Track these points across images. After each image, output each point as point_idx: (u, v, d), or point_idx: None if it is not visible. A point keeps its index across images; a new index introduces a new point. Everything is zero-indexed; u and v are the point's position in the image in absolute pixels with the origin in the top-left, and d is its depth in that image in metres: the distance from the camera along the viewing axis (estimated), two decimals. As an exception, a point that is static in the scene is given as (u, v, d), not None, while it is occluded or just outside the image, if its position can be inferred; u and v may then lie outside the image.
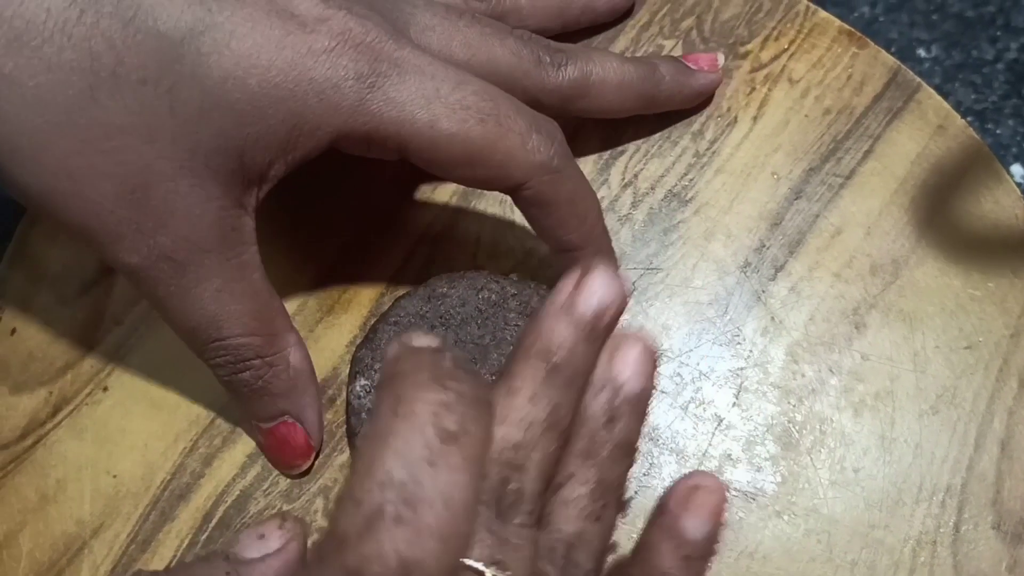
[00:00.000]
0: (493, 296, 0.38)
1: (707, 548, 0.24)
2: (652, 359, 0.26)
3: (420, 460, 0.19)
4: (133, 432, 0.38)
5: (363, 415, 0.37)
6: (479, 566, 0.22)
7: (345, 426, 0.38)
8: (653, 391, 0.26)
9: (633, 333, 0.26)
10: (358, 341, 0.39)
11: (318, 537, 0.20)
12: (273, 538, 0.25)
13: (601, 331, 0.25)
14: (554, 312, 0.24)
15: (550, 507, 0.25)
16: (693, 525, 0.24)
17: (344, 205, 0.41)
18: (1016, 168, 0.49)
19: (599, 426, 0.25)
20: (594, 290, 0.24)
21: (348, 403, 0.37)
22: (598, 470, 0.25)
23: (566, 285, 0.25)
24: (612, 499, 0.25)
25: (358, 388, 0.37)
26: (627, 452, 0.26)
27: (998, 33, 0.51)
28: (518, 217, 0.41)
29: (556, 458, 0.24)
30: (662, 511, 0.25)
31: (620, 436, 0.25)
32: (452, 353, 0.22)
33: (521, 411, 0.24)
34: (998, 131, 0.50)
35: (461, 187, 0.41)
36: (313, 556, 0.21)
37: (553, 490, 0.25)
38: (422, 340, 0.22)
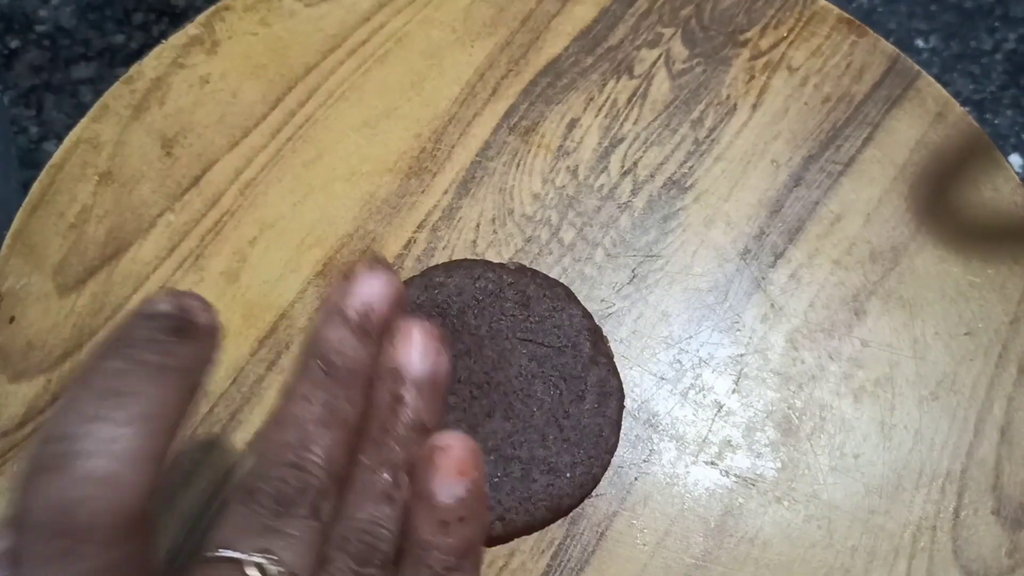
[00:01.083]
0: (490, 285, 0.38)
1: (465, 511, 0.24)
2: (434, 339, 0.26)
3: (84, 415, 0.20)
4: (132, 420, 0.38)
5: None
6: (235, 554, 0.22)
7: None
8: (445, 370, 0.26)
9: (413, 319, 0.26)
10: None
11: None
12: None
13: (374, 326, 0.25)
14: (324, 316, 0.25)
15: (343, 496, 0.25)
16: (442, 489, 0.24)
17: (344, 193, 0.41)
18: (1015, 158, 0.49)
19: (385, 410, 0.25)
20: (356, 291, 0.25)
21: None
22: (387, 452, 0.25)
23: (334, 291, 0.26)
24: (404, 480, 0.25)
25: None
26: (420, 432, 0.25)
27: (996, 24, 0.51)
28: (517, 204, 0.41)
29: (342, 451, 0.25)
30: (414, 477, 0.24)
31: (409, 417, 0.25)
32: (178, 317, 0.22)
33: (294, 411, 0.24)
34: (996, 121, 0.50)
35: (460, 175, 0.41)
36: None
37: (345, 481, 0.25)
38: (155, 306, 0.22)
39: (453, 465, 0.24)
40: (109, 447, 0.20)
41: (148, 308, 0.22)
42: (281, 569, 0.22)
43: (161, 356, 0.21)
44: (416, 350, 0.26)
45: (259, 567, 0.22)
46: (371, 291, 0.25)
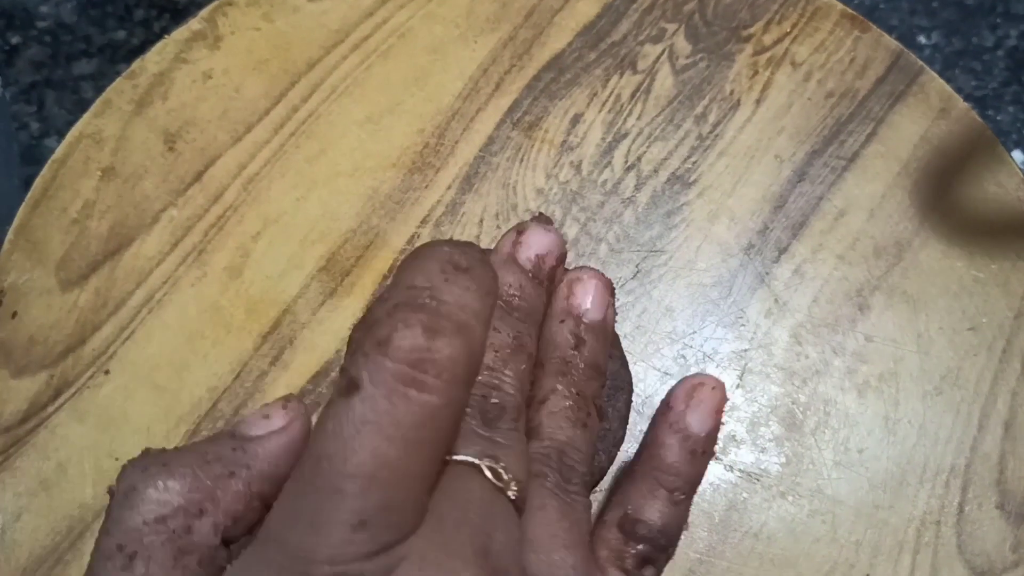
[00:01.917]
0: (495, 282, 0.38)
1: (709, 444, 0.28)
2: (608, 292, 0.29)
3: (438, 274, 0.22)
4: (135, 415, 0.38)
5: None
6: (471, 459, 0.23)
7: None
8: (613, 319, 0.30)
9: (588, 269, 0.29)
10: (361, 324, 0.39)
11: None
12: (277, 417, 0.25)
13: (545, 274, 0.28)
14: (501, 263, 0.28)
15: (538, 419, 0.27)
16: (697, 419, 0.28)
17: (348, 188, 0.41)
18: (1017, 154, 0.49)
19: (568, 348, 0.28)
20: (530, 241, 0.28)
21: None
22: (576, 385, 0.28)
23: (505, 241, 0.29)
24: (593, 410, 0.28)
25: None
26: (598, 371, 0.29)
27: (998, 20, 0.51)
28: (521, 199, 0.41)
29: (528, 377, 0.27)
30: (667, 408, 0.28)
31: (589, 357, 0.28)
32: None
33: (489, 339, 0.26)
34: (998, 117, 0.50)
35: (463, 170, 0.41)
36: (347, 354, 0.22)
37: (537, 406, 0.27)
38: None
39: (712, 403, 0.28)
40: (463, 301, 0.21)
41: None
42: (510, 474, 0.24)
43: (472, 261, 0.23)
44: (593, 296, 0.29)
45: (492, 471, 0.23)
46: (542, 243, 0.28)
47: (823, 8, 0.43)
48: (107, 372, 0.39)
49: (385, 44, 0.43)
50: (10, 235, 0.41)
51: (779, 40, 0.43)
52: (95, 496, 0.37)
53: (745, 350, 0.38)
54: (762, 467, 0.37)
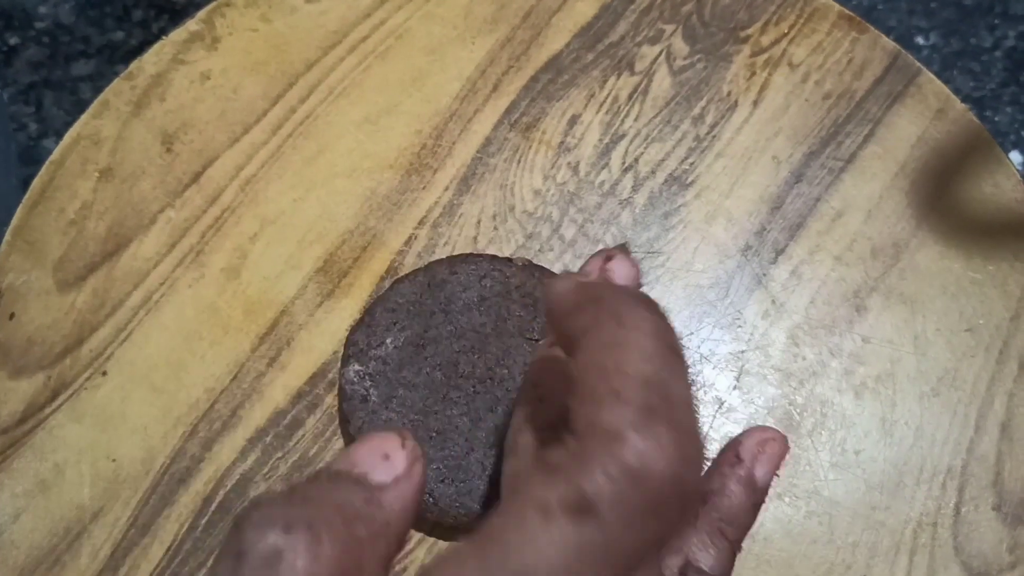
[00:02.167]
0: (497, 286, 0.38)
1: (765, 494, 0.29)
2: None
3: (663, 363, 0.20)
4: (133, 416, 0.38)
5: (356, 401, 0.36)
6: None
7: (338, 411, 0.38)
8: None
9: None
10: (359, 325, 0.39)
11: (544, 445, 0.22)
12: (399, 459, 0.22)
13: None
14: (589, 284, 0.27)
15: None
16: (764, 472, 0.28)
17: (345, 189, 0.41)
18: (1015, 155, 0.49)
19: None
20: (617, 270, 0.26)
21: (340, 388, 0.37)
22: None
23: (594, 265, 0.27)
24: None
25: (351, 373, 0.37)
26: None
27: (996, 21, 0.51)
28: (518, 201, 0.41)
29: None
30: (736, 460, 0.29)
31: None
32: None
33: None
34: (996, 118, 0.50)
35: (461, 171, 0.41)
36: (562, 457, 0.20)
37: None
38: (583, 276, 0.25)
39: (780, 458, 0.29)
40: (686, 397, 0.20)
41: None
42: None
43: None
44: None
45: None
46: (629, 274, 0.27)
47: (821, 9, 0.44)
48: (105, 373, 0.39)
49: (383, 45, 0.44)
50: (8, 236, 0.41)
51: (777, 41, 0.43)
52: (92, 497, 0.37)
53: (742, 351, 0.39)
54: (759, 468, 0.37)
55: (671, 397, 0.20)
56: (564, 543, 0.18)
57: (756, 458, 0.28)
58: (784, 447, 0.29)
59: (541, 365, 0.28)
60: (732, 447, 0.29)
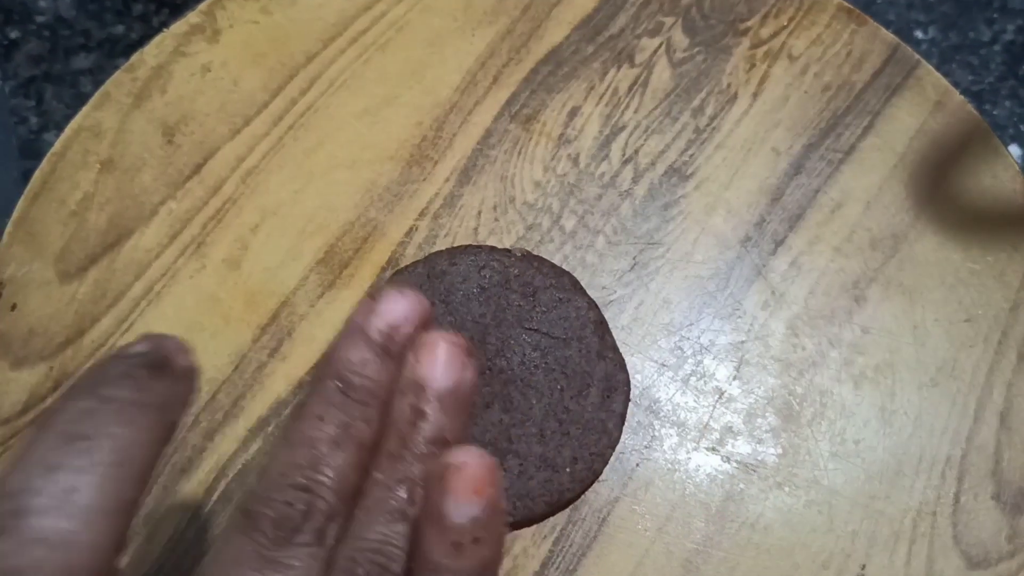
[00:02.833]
0: (496, 276, 0.38)
1: (481, 531, 0.22)
2: (460, 352, 0.25)
3: (43, 464, 0.18)
4: (134, 407, 0.38)
5: None
6: None
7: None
8: (471, 383, 0.25)
9: (438, 332, 0.25)
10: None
11: None
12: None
13: (398, 345, 0.25)
14: (347, 335, 0.24)
15: (354, 516, 0.23)
16: (456, 509, 0.22)
17: (346, 181, 0.41)
18: (1013, 148, 0.49)
19: (405, 425, 0.24)
20: (382, 311, 0.24)
21: None
22: (404, 467, 0.23)
23: (358, 310, 0.25)
24: (420, 496, 0.23)
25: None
26: (441, 446, 0.24)
27: (995, 15, 0.51)
28: (519, 192, 0.41)
29: (355, 472, 0.24)
30: (425, 496, 0.23)
31: (429, 432, 0.24)
32: (149, 354, 0.21)
33: (307, 431, 0.23)
34: (995, 112, 0.50)
35: (461, 162, 0.41)
36: None
37: (358, 500, 0.24)
38: (131, 347, 0.21)
39: (467, 484, 0.22)
40: (66, 501, 0.18)
41: (123, 350, 0.21)
42: None
43: (134, 392, 0.20)
44: (440, 363, 0.24)
45: None
46: (398, 311, 0.24)
47: (820, 2, 0.44)
48: (106, 364, 0.39)
49: (383, 37, 0.44)
50: (9, 227, 0.41)
51: (776, 33, 0.43)
52: (94, 487, 0.37)
53: (742, 342, 0.39)
54: (759, 458, 0.37)
55: (25, 507, 0.18)
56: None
57: (443, 491, 0.22)
58: (478, 470, 0.22)
59: None
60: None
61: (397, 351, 0.25)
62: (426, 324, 0.25)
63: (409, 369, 0.24)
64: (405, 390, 0.24)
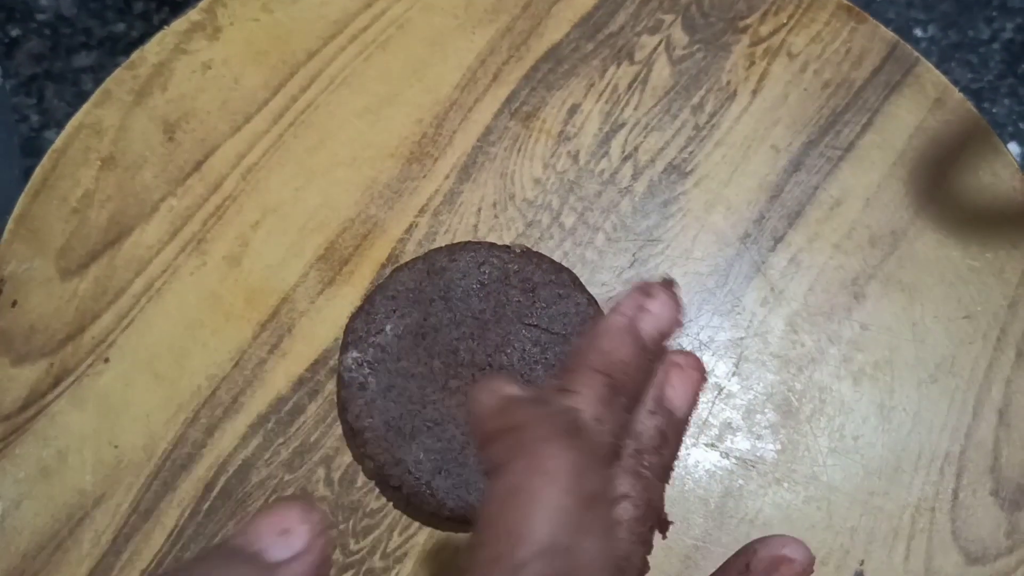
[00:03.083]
0: (495, 272, 0.38)
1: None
2: (702, 385, 0.26)
3: (568, 523, 0.18)
4: (135, 403, 0.38)
5: (354, 388, 0.37)
6: None
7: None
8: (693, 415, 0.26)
9: (690, 356, 0.26)
10: (359, 312, 0.39)
11: None
12: (297, 535, 0.20)
13: (659, 349, 0.25)
14: (618, 329, 0.24)
15: None
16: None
17: (346, 178, 0.41)
18: (1013, 146, 0.49)
19: (652, 446, 0.25)
20: (657, 314, 0.24)
21: (339, 375, 0.37)
22: (648, 491, 0.24)
23: (630, 303, 0.24)
24: (655, 521, 0.25)
25: (349, 360, 0.37)
26: (668, 476, 0.25)
27: (994, 13, 0.52)
28: (519, 189, 0.41)
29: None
30: (745, 571, 0.26)
31: (668, 460, 0.25)
32: (556, 404, 0.21)
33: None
34: (994, 110, 0.50)
35: (461, 160, 0.42)
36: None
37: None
38: (511, 389, 0.21)
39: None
40: (595, 565, 0.19)
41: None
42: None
43: (598, 442, 0.21)
44: (689, 394, 0.26)
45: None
46: (669, 316, 0.24)
47: (819, -1, 0.44)
48: (107, 360, 0.39)
49: (384, 35, 0.44)
50: (10, 224, 0.41)
51: (776, 31, 0.43)
52: (94, 483, 0.37)
53: (741, 338, 0.39)
54: (758, 454, 0.37)
55: (576, 565, 0.18)
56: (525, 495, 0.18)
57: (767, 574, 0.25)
58: (805, 570, 0.25)
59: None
60: (745, 555, 0.26)
61: (657, 354, 0.25)
62: (679, 330, 0.26)
63: (659, 388, 0.25)
64: (656, 410, 0.25)
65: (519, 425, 0.20)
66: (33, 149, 0.54)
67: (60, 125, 0.53)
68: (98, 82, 0.44)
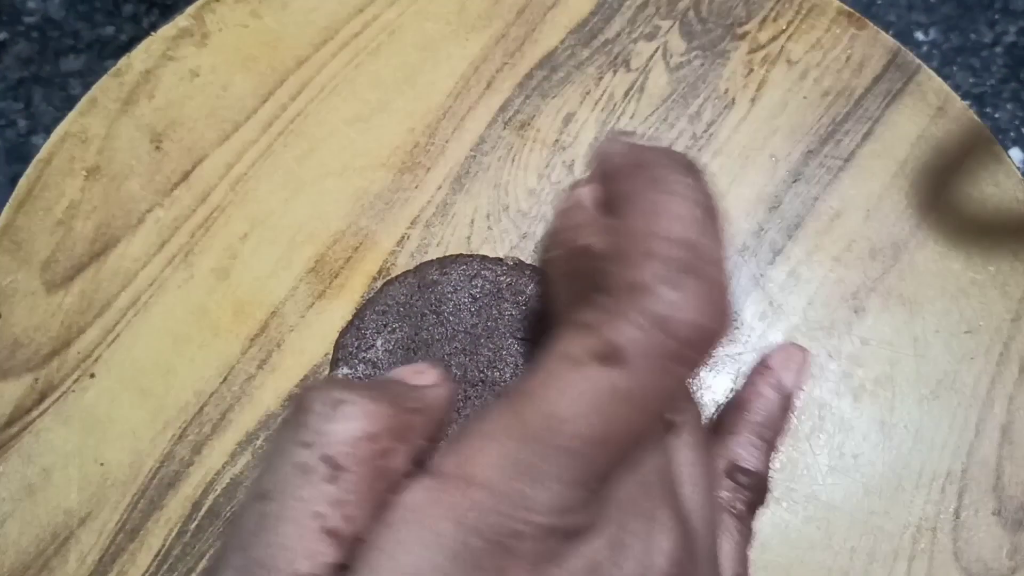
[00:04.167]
0: (487, 285, 0.38)
1: (794, 401, 0.34)
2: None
3: (695, 225, 0.21)
4: (121, 419, 0.38)
5: None
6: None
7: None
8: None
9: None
10: (350, 326, 0.38)
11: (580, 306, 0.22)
12: (430, 374, 0.25)
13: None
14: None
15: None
16: (791, 380, 0.34)
17: (337, 188, 0.40)
18: (1015, 152, 0.48)
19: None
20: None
21: None
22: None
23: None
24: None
25: (340, 377, 0.36)
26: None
27: (996, 16, 0.51)
28: (512, 200, 0.40)
29: None
30: (766, 368, 0.35)
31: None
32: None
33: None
34: (996, 115, 0.50)
35: (454, 170, 0.41)
36: (589, 315, 0.21)
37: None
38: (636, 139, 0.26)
39: (805, 366, 0.36)
40: (717, 256, 0.21)
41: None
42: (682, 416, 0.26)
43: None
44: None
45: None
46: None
47: (819, 5, 0.43)
48: (92, 375, 0.38)
49: (375, 41, 0.43)
50: (-6, 236, 0.40)
51: (775, 38, 0.42)
52: (80, 501, 0.37)
53: (739, 353, 0.38)
54: (756, 472, 0.36)
55: (700, 254, 0.20)
56: (593, 389, 0.20)
57: (784, 366, 0.34)
58: (806, 360, 0.35)
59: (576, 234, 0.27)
60: (762, 361, 0.35)
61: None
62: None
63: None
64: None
65: (643, 163, 0.23)
66: (20, 155, 0.53)
67: (48, 130, 0.53)
68: (87, 86, 0.43)
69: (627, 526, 0.21)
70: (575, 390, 0.20)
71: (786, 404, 0.33)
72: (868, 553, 0.35)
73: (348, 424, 0.21)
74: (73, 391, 0.38)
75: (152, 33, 0.43)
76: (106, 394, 0.38)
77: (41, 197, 0.40)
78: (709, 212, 0.21)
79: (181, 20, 0.43)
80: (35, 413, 0.38)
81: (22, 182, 0.41)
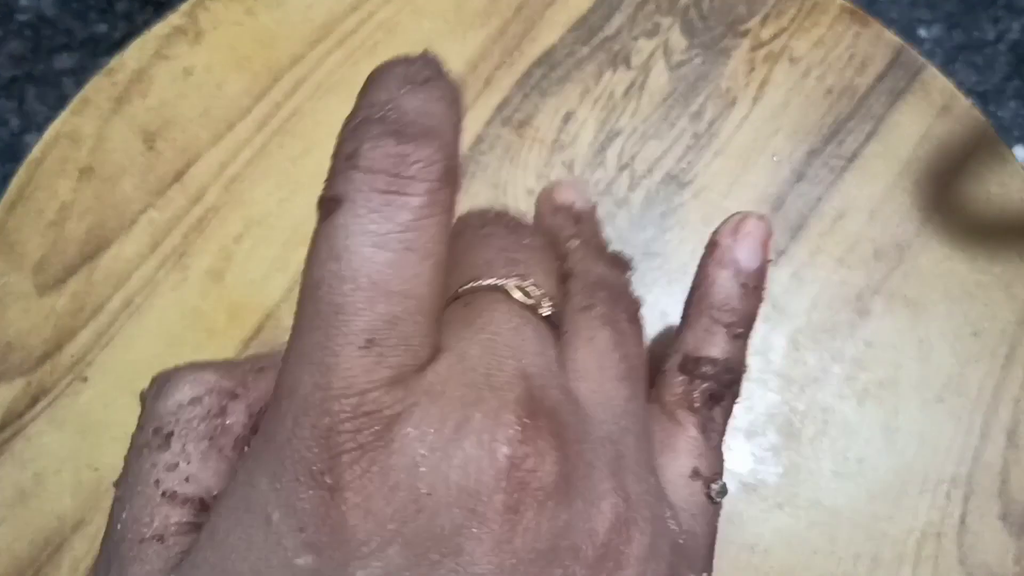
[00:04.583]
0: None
1: (759, 279, 0.26)
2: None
3: (396, 89, 0.20)
4: (115, 424, 0.37)
5: None
6: (495, 281, 0.22)
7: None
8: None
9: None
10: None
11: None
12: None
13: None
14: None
15: (568, 267, 0.26)
16: (746, 253, 0.26)
17: (332, 189, 0.40)
18: (1018, 150, 0.48)
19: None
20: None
21: None
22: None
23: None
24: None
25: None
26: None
27: (1000, 13, 0.50)
28: (511, 200, 0.40)
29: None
30: (713, 246, 0.27)
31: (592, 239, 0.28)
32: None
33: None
34: (1000, 113, 0.49)
35: (453, 170, 0.40)
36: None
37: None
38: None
39: (759, 235, 0.26)
40: (427, 109, 0.20)
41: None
42: (541, 289, 0.23)
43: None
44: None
45: (520, 289, 0.22)
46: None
47: (822, 2, 0.42)
48: (85, 379, 0.38)
49: (371, 39, 0.42)
50: (-15, 238, 0.40)
51: (777, 35, 0.42)
52: (74, 507, 0.36)
53: (741, 356, 0.38)
54: (759, 477, 0.36)
55: (392, 107, 0.20)
56: (327, 237, 0.21)
57: (734, 240, 0.26)
58: (763, 225, 0.27)
59: None
60: (710, 239, 0.28)
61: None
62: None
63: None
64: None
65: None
66: (12, 153, 0.53)
67: (40, 129, 0.52)
68: (80, 84, 0.42)
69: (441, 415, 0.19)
70: (315, 254, 0.21)
71: (746, 282, 0.27)
72: (872, 559, 0.35)
73: (170, 396, 0.22)
74: (66, 395, 0.37)
75: (146, 31, 0.42)
76: (100, 398, 0.37)
77: (33, 198, 0.40)
78: (420, 81, 0.21)
79: (175, 18, 0.43)
80: (28, 417, 0.37)
81: (13, 183, 0.40)
